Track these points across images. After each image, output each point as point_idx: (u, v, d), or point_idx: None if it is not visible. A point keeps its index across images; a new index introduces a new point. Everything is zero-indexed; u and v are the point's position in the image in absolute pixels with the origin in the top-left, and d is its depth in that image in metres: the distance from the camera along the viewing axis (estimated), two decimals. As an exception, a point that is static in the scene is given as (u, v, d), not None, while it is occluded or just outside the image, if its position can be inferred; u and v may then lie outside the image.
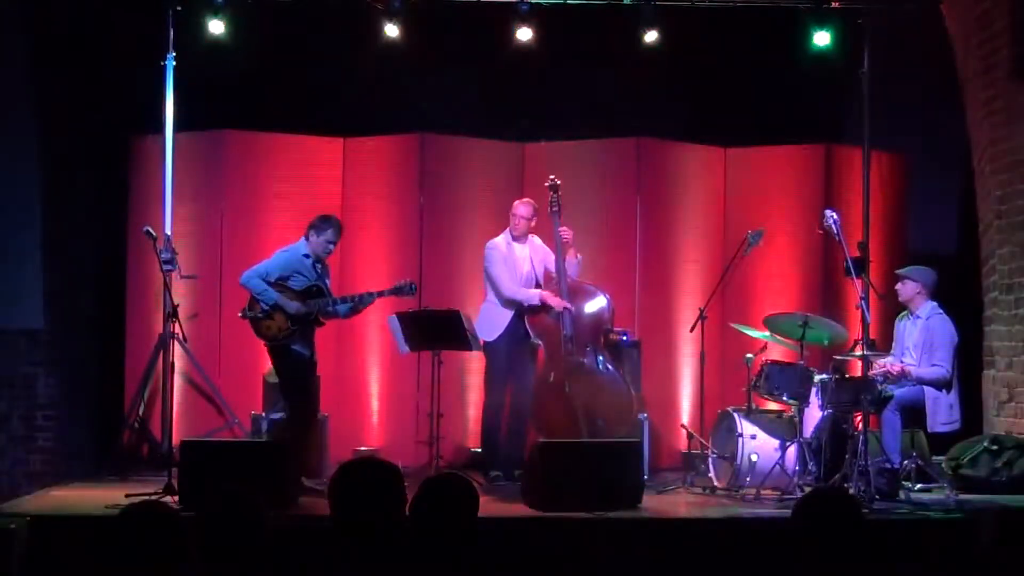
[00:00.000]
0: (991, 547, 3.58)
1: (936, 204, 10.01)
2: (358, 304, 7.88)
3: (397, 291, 7.84)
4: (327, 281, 7.87)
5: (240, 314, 7.73)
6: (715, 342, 8.88)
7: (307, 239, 7.76)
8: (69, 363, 8.71)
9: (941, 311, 7.89)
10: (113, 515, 3.53)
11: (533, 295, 8.16)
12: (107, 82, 8.90)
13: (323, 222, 7.77)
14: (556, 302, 8.11)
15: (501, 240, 8.32)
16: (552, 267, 8.29)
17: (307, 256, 7.73)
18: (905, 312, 8.05)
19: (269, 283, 7.62)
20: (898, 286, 8.02)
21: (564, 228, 8.18)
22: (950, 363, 7.75)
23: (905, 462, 7.62)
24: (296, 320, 7.62)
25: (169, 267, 8.09)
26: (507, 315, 8.20)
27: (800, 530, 3.56)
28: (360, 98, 9.51)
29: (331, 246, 7.79)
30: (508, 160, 9.53)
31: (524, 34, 8.81)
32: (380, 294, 7.86)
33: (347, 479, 3.57)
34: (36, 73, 8.45)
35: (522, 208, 8.29)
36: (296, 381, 7.74)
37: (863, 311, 7.59)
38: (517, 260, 8.29)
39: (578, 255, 8.25)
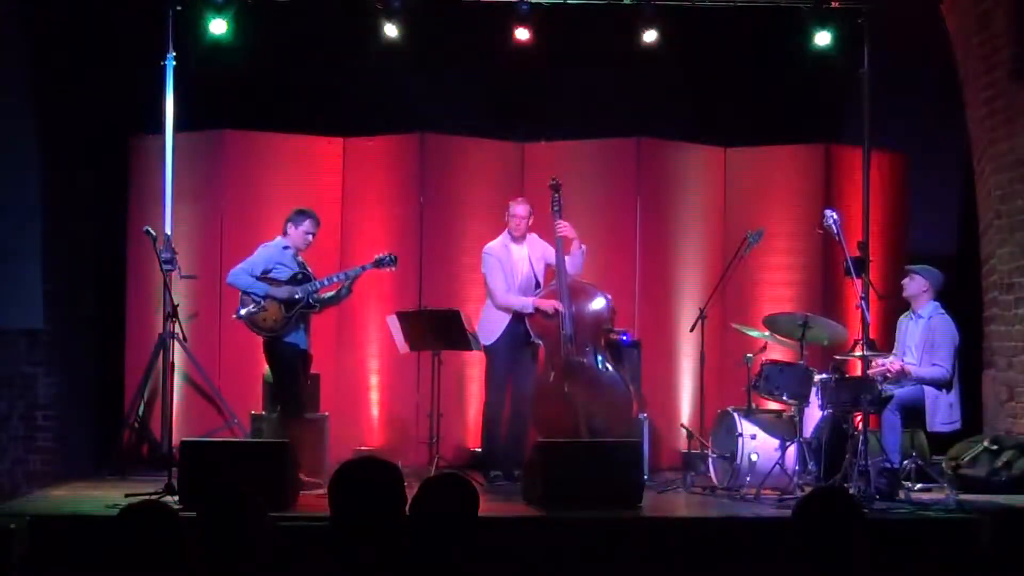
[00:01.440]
0: (990, 547, 3.58)
1: (936, 204, 10.01)
2: (343, 281, 7.94)
3: (378, 263, 7.94)
4: (309, 270, 7.94)
5: (234, 315, 7.79)
6: (715, 342, 8.88)
7: (285, 234, 7.88)
8: (69, 363, 8.71)
9: (943, 311, 7.89)
10: (113, 515, 3.52)
11: (527, 303, 8.15)
12: (107, 82, 8.90)
13: (299, 215, 7.89)
14: (547, 304, 8.10)
15: (498, 244, 8.31)
16: (554, 261, 8.29)
17: (287, 248, 7.85)
18: (908, 311, 8.05)
19: (256, 277, 7.71)
20: (905, 280, 8.00)
21: (562, 223, 8.16)
22: (950, 363, 7.74)
23: (905, 462, 7.62)
24: (290, 306, 7.68)
25: (169, 267, 8.11)
26: (506, 317, 8.20)
27: (800, 530, 3.56)
28: (360, 98, 9.51)
29: (310, 237, 7.90)
30: (508, 160, 9.53)
31: (524, 34, 8.82)
32: (363, 268, 7.93)
33: (347, 478, 3.57)
34: (36, 73, 8.45)
35: (519, 208, 8.28)
36: (288, 374, 7.78)
37: (863, 311, 7.60)
38: (515, 263, 8.28)
39: (582, 245, 8.22)
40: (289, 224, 7.87)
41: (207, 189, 9.22)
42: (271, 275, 7.77)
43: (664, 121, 9.68)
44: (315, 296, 7.83)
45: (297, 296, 7.73)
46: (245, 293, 7.75)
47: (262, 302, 7.70)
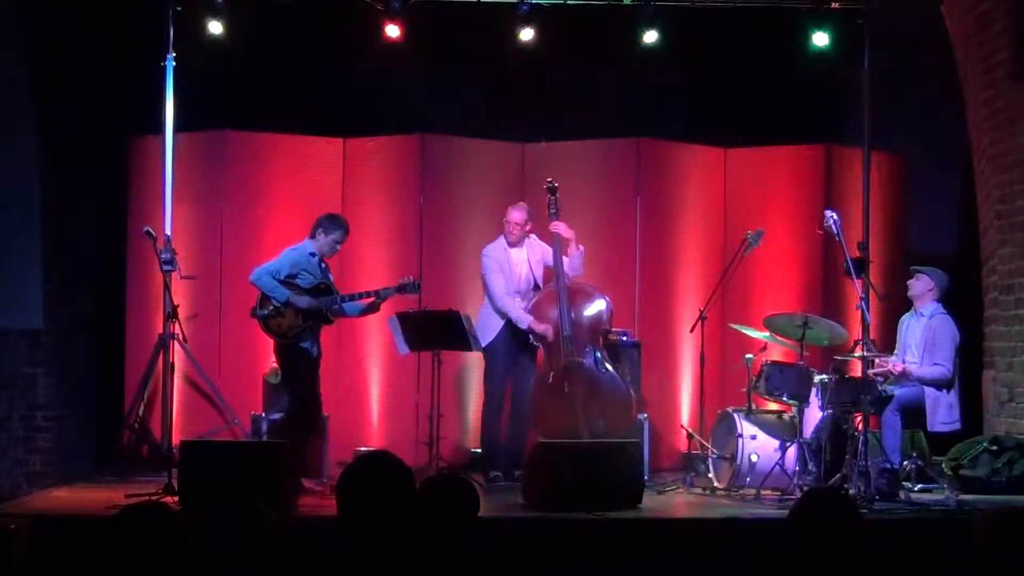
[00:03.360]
0: (989, 547, 3.58)
1: (936, 204, 10.01)
2: (364, 298, 7.90)
3: (401, 289, 7.89)
4: (331, 278, 7.91)
5: (251, 313, 7.74)
6: (715, 342, 8.88)
7: (313, 238, 7.80)
8: (69, 363, 8.71)
9: (944, 311, 7.90)
10: (113, 515, 3.52)
11: (522, 319, 8.14)
12: (107, 82, 8.90)
13: (331, 222, 7.82)
14: (542, 328, 8.11)
15: (497, 247, 8.31)
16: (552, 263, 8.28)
17: (313, 255, 7.78)
18: (910, 310, 8.06)
19: (279, 281, 7.65)
20: (911, 280, 8.02)
21: (558, 223, 8.15)
22: (951, 362, 7.76)
23: (905, 462, 7.63)
24: (307, 316, 7.65)
25: (169, 267, 8.09)
26: (502, 319, 8.20)
27: (797, 530, 3.56)
28: (360, 98, 9.50)
29: (338, 246, 7.87)
30: (508, 160, 9.52)
31: (525, 35, 8.82)
32: (386, 291, 7.88)
33: (360, 474, 3.51)
34: (36, 73, 8.44)
35: (515, 214, 8.27)
36: (301, 379, 7.77)
37: (863, 311, 7.60)
38: (513, 266, 8.28)
39: (580, 247, 8.23)
40: (319, 230, 7.79)
41: (207, 190, 9.21)
42: (295, 281, 7.70)
43: (664, 121, 9.68)
44: (333, 310, 7.79)
45: (318, 308, 7.70)
46: (265, 296, 7.73)
47: (280, 307, 7.67)
